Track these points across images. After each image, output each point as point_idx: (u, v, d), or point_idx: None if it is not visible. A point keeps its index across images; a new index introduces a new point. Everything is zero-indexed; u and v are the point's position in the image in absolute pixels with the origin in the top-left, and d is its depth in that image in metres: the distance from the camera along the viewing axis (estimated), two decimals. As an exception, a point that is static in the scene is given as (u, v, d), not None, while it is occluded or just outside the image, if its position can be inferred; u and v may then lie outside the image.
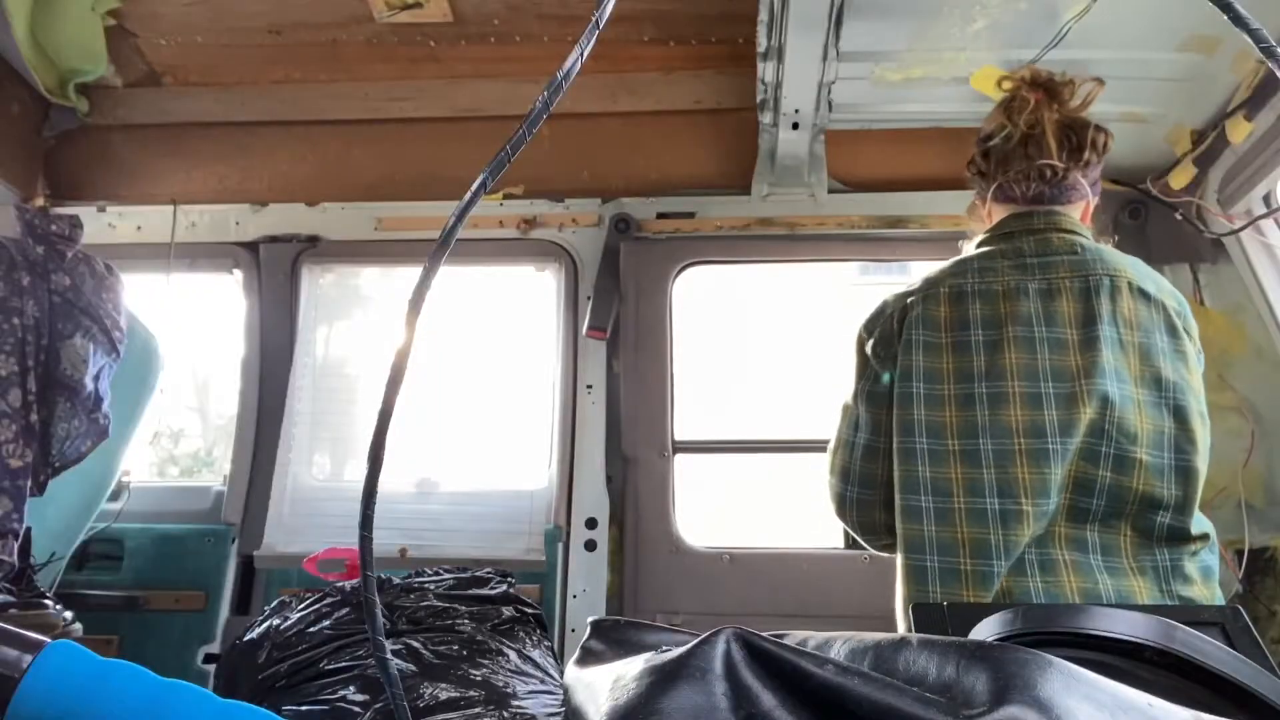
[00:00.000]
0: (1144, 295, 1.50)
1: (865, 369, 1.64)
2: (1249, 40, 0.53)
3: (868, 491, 1.61)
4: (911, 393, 1.51)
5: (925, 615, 0.83)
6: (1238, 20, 0.53)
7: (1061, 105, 1.64)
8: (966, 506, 1.42)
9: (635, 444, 2.59)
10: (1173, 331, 1.49)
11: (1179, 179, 2.38)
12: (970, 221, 1.80)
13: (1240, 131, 2.13)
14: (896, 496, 1.49)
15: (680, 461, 2.62)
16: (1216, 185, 2.32)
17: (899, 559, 1.49)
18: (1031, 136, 1.61)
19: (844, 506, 1.65)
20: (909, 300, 1.59)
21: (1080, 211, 1.66)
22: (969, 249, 1.69)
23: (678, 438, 2.62)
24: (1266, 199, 2.23)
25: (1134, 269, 1.53)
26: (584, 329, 2.64)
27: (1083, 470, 1.41)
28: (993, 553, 1.38)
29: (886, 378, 1.58)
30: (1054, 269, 1.52)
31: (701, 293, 2.90)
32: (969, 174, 1.75)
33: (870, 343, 1.62)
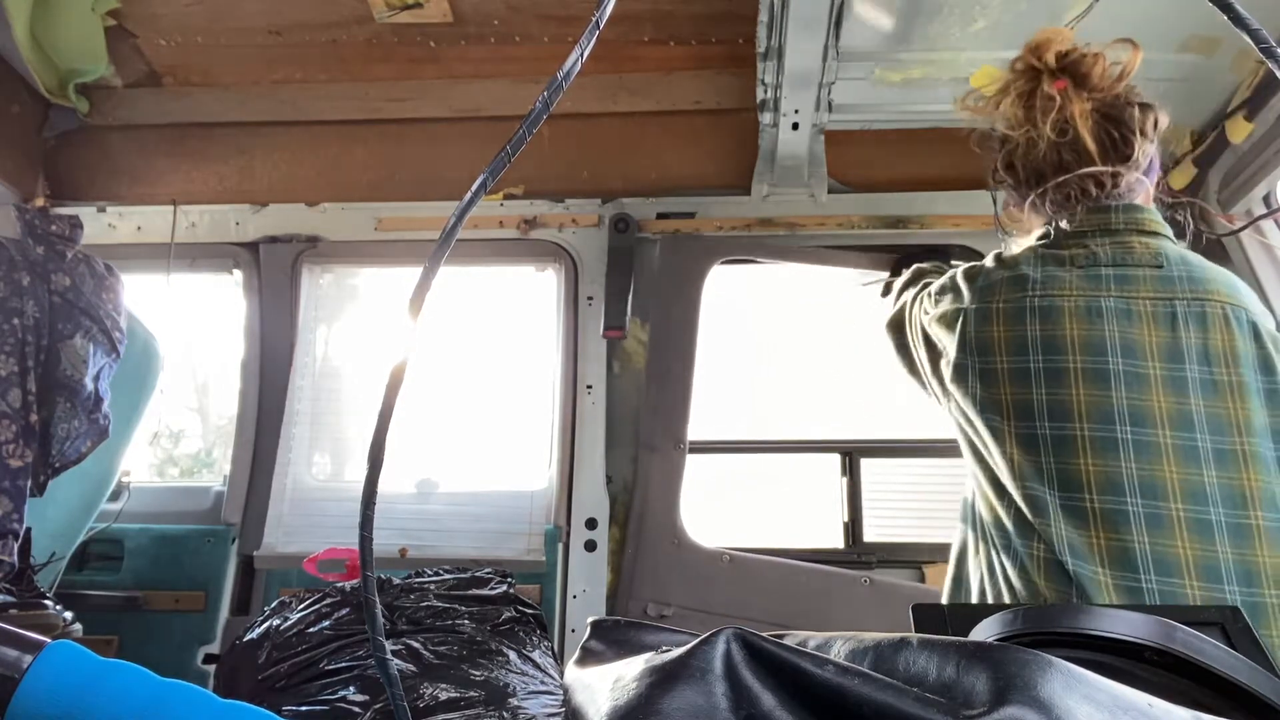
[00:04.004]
0: (1238, 319, 1.25)
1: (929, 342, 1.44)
2: (1249, 40, 0.53)
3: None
4: (983, 424, 1.31)
5: (925, 615, 0.83)
6: (1238, 20, 0.53)
7: (1092, 90, 1.36)
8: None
9: (654, 433, 2.59)
10: (1268, 369, 1.23)
11: (1179, 179, 2.38)
12: (1008, 223, 1.55)
13: (1240, 131, 2.13)
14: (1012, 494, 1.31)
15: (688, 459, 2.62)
16: (1216, 185, 2.31)
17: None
18: (1063, 143, 1.35)
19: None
20: (964, 309, 1.36)
21: (1145, 199, 1.40)
22: (1025, 242, 1.44)
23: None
24: (1266, 199, 2.22)
25: (1226, 286, 1.29)
26: (601, 329, 2.63)
27: (1201, 545, 1.15)
28: (1091, 554, 1.19)
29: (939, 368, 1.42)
30: (1134, 285, 1.27)
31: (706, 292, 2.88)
32: (992, 183, 1.51)
33: (932, 326, 1.42)
